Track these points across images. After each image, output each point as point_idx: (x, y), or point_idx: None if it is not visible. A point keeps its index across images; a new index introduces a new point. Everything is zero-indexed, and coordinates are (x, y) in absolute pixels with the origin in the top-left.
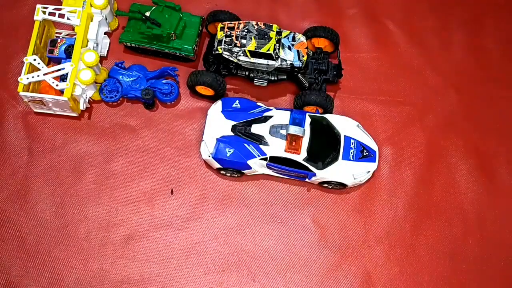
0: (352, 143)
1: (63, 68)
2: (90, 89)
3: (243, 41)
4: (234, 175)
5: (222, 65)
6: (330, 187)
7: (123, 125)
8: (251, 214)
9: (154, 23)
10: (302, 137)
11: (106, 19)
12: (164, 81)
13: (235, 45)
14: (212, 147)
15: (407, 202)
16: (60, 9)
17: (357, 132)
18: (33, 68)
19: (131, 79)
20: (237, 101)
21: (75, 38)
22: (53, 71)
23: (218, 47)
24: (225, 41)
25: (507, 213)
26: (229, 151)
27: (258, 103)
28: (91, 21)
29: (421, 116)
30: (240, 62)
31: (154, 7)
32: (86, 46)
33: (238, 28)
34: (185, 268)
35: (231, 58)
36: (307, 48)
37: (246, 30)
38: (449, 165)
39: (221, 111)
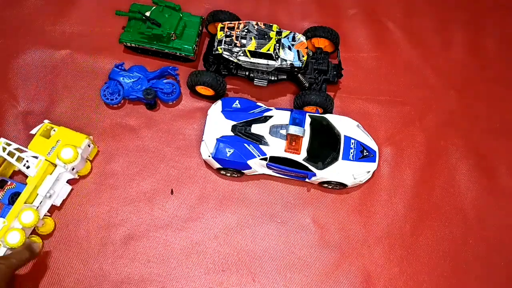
0: (352, 143)
1: None
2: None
3: (243, 41)
4: (234, 175)
5: (222, 65)
6: (330, 187)
7: (123, 125)
8: (251, 214)
9: (154, 23)
10: (302, 137)
11: (73, 169)
12: (165, 80)
13: (235, 45)
14: (212, 147)
15: (407, 202)
16: (22, 151)
17: (357, 132)
18: None
19: (132, 80)
20: (237, 101)
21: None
22: None
23: (218, 47)
24: (225, 41)
25: (507, 213)
26: (229, 151)
27: (258, 103)
28: (50, 173)
29: (421, 116)
30: (240, 62)
31: (154, 7)
32: (33, 200)
33: (238, 28)
34: (185, 268)
35: (231, 58)
36: (307, 48)
37: (246, 30)
38: (449, 165)
39: (221, 111)
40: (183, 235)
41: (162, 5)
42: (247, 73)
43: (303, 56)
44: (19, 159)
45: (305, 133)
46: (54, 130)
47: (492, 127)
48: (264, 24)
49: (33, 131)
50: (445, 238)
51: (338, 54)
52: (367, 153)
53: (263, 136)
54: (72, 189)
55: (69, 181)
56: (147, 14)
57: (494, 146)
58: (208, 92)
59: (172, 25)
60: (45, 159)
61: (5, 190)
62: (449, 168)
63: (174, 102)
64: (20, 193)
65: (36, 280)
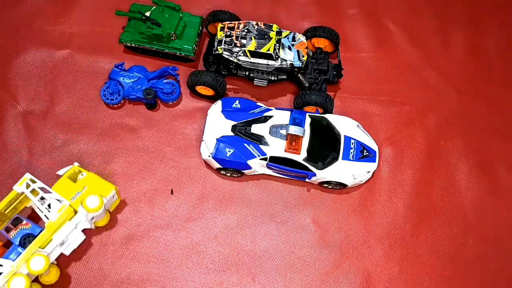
0: (352, 143)
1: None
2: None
3: (243, 41)
4: (234, 175)
5: (222, 65)
6: (330, 187)
7: (123, 125)
8: (251, 214)
9: (154, 23)
10: (302, 137)
11: (93, 218)
12: (165, 80)
13: (235, 45)
14: (212, 147)
15: (407, 202)
16: (46, 191)
17: (357, 132)
18: None
19: (132, 80)
20: (237, 101)
21: (41, 230)
22: None
23: (218, 47)
24: (225, 41)
25: (507, 213)
26: (229, 151)
27: (258, 103)
28: (69, 219)
29: (421, 116)
30: (240, 62)
31: (154, 7)
32: (46, 246)
33: (238, 28)
34: (185, 268)
35: (231, 58)
36: (307, 48)
37: (246, 30)
38: (449, 165)
39: (221, 111)
40: (183, 235)
41: (162, 5)
42: (247, 73)
43: (303, 56)
44: (41, 199)
45: (305, 133)
46: (82, 175)
47: (492, 127)
48: (264, 24)
49: (60, 172)
50: (445, 238)
51: (338, 54)
52: (367, 153)
53: (263, 136)
54: (85, 239)
55: (83, 231)
56: (147, 14)
57: (494, 146)
58: (208, 92)
59: (172, 25)
60: (69, 204)
61: (17, 229)
62: (449, 168)
63: (174, 102)
64: (33, 235)
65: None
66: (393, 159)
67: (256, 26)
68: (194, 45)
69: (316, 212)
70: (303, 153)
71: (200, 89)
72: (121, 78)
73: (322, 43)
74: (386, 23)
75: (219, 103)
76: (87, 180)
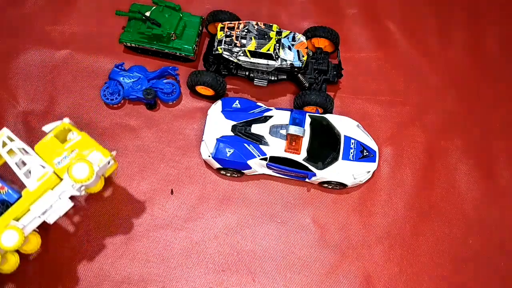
0: (352, 143)
1: None
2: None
3: (243, 41)
4: (234, 175)
5: (222, 65)
6: (330, 187)
7: (123, 125)
8: (251, 214)
9: (154, 23)
10: (302, 137)
11: (82, 186)
12: (165, 80)
13: (235, 45)
14: (212, 147)
15: (407, 202)
16: (26, 152)
17: (357, 132)
18: None
19: (132, 80)
20: (237, 101)
21: (19, 197)
22: None
23: (218, 47)
24: (225, 41)
25: (507, 213)
26: (229, 151)
27: (258, 103)
28: (52, 188)
29: (421, 116)
30: (240, 62)
31: (154, 7)
32: (22, 217)
33: (238, 28)
34: (185, 268)
35: (231, 58)
36: (307, 48)
37: (246, 30)
38: (449, 165)
39: (221, 111)
40: (183, 235)
41: (162, 5)
42: (247, 73)
43: (303, 56)
44: (20, 162)
45: (305, 133)
46: (73, 134)
47: (492, 127)
48: (264, 24)
49: (45, 128)
50: (445, 238)
51: (338, 54)
52: (367, 153)
53: (263, 136)
54: (73, 206)
55: (71, 197)
56: (147, 14)
57: (494, 146)
58: (208, 92)
59: (172, 25)
60: (53, 172)
61: None
62: (449, 168)
63: (174, 102)
64: (8, 203)
65: (37, 280)
66: (393, 159)
67: (256, 26)
68: (194, 45)
69: (316, 212)
70: (303, 153)
71: (200, 89)
72: (121, 78)
73: (322, 43)
74: (386, 23)
75: (219, 103)
76: (79, 143)
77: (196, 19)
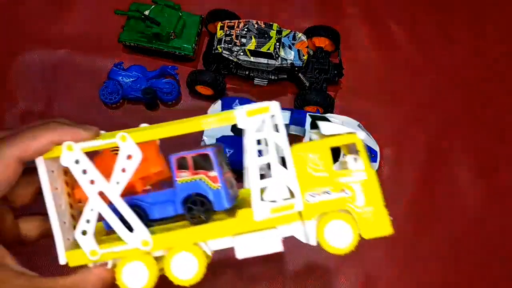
0: None
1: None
2: None
3: (243, 40)
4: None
5: (222, 64)
6: None
7: (122, 124)
8: None
9: (153, 22)
10: (302, 137)
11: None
12: (164, 80)
13: (235, 44)
14: None
15: (407, 202)
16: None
17: (358, 132)
18: None
19: (131, 79)
20: (237, 101)
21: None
22: None
23: (218, 46)
24: (225, 40)
25: (507, 213)
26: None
27: (258, 103)
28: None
29: (421, 116)
30: (240, 62)
31: (153, 6)
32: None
33: (238, 27)
34: None
35: (231, 58)
36: (307, 47)
37: (246, 29)
38: (449, 165)
39: (221, 111)
40: None
41: (161, 4)
42: (247, 72)
43: (303, 55)
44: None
45: (306, 133)
46: (357, 162)
47: (493, 127)
48: (264, 23)
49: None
50: (445, 238)
51: (338, 53)
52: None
53: None
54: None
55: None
56: (146, 13)
57: (494, 146)
58: (208, 91)
59: (172, 24)
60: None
61: (197, 177)
62: (449, 168)
63: (174, 101)
64: (209, 204)
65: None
66: (393, 159)
67: (256, 25)
68: (193, 44)
69: None
70: None
71: (200, 88)
72: (120, 78)
73: (323, 42)
74: (387, 22)
75: (219, 103)
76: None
77: (195, 18)
